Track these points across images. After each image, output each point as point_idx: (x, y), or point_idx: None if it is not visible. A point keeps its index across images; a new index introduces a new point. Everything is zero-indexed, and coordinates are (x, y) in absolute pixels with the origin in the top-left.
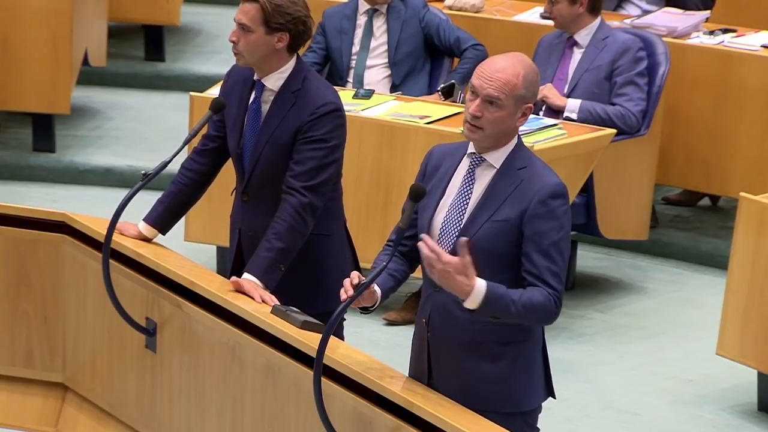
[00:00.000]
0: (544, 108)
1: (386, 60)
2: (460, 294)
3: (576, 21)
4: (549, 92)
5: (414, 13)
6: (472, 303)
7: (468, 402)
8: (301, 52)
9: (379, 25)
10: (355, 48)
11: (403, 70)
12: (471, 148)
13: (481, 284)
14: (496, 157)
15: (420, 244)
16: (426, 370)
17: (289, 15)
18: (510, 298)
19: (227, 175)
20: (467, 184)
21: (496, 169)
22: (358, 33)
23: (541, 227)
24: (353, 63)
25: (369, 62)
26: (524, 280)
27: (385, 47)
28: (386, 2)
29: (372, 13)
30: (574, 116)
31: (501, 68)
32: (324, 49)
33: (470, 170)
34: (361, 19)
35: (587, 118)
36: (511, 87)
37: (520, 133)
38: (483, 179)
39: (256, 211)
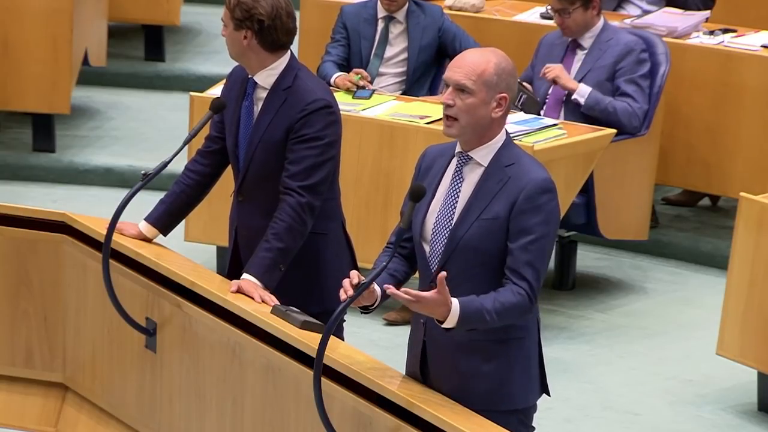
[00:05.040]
0: (546, 102)
1: (399, 69)
2: (438, 318)
3: (588, 25)
4: (561, 73)
5: (433, 20)
6: (449, 323)
7: (463, 401)
8: (296, 47)
9: (397, 34)
10: (371, 55)
11: (416, 76)
12: (458, 147)
13: (455, 305)
14: (483, 155)
15: (392, 292)
16: (422, 368)
17: (247, 12)
18: (484, 308)
19: (227, 176)
20: (455, 184)
21: (483, 168)
22: (377, 39)
23: (526, 223)
24: (366, 69)
25: (382, 69)
26: (504, 274)
27: (401, 56)
28: (401, 8)
29: (388, 21)
30: (582, 100)
31: (470, 57)
32: (349, 44)
33: (458, 169)
34: (379, 25)
35: (594, 106)
36: (480, 72)
37: (520, 132)
38: (471, 178)
39: (251, 211)
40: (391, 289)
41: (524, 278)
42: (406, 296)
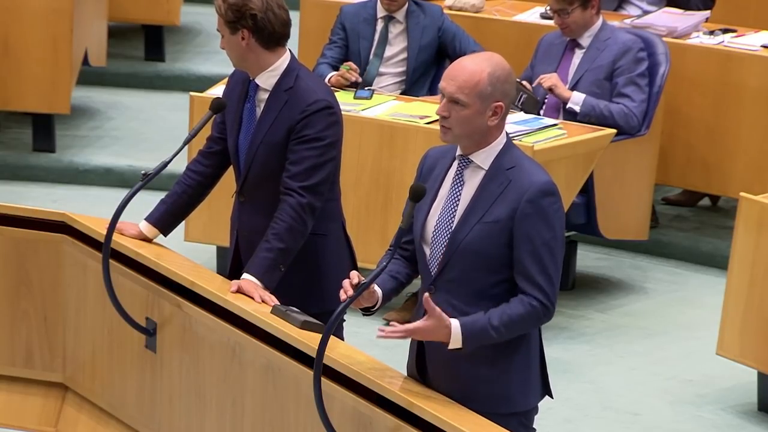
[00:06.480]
0: (546, 102)
1: (399, 69)
2: (442, 341)
3: (587, 24)
4: (557, 82)
5: (433, 20)
6: (453, 344)
7: (462, 403)
8: (296, 47)
9: (396, 33)
10: (370, 55)
11: (416, 76)
12: (459, 150)
13: (455, 327)
14: (483, 158)
15: (388, 334)
16: (422, 371)
17: (238, 11)
18: (490, 325)
19: (228, 177)
20: (456, 187)
21: (484, 171)
22: (376, 39)
23: (531, 227)
24: (366, 68)
25: (381, 69)
26: (516, 283)
27: (400, 56)
28: (401, 7)
29: (388, 20)
30: (577, 108)
31: (464, 67)
32: (347, 45)
33: (458, 173)
34: (379, 25)
35: (589, 113)
36: (473, 85)
37: (520, 132)
38: (472, 181)
39: (253, 212)
40: (381, 332)
41: (536, 285)
42: (398, 334)
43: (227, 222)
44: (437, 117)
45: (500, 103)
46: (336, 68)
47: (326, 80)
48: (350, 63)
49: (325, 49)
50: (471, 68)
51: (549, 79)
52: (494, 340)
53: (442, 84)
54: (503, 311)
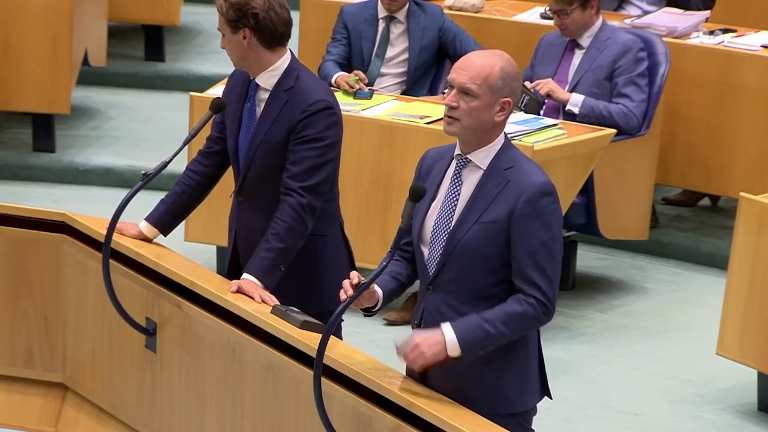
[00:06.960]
0: (546, 103)
1: (400, 69)
2: (441, 354)
3: (586, 25)
4: (553, 86)
5: (433, 20)
6: (453, 352)
7: (462, 403)
8: (296, 47)
9: (398, 34)
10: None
11: (417, 76)
12: (457, 150)
13: (448, 332)
14: (482, 158)
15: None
16: (422, 371)
17: (240, 10)
18: (485, 324)
19: (228, 176)
20: (455, 187)
21: (482, 171)
22: (378, 40)
23: (528, 227)
24: (368, 69)
25: (383, 70)
26: (513, 283)
27: (402, 56)
28: (401, 8)
29: (389, 21)
30: (576, 110)
31: (476, 59)
32: (350, 43)
33: (457, 172)
34: (380, 25)
35: (588, 114)
36: (485, 76)
37: (520, 132)
38: (470, 181)
39: (252, 212)
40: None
41: (534, 285)
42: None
43: (227, 222)
44: (437, 117)
45: (508, 99)
46: (341, 65)
47: (333, 79)
48: (359, 73)
49: (329, 46)
50: (483, 61)
51: (545, 85)
52: (492, 337)
53: (452, 75)
54: (499, 308)
